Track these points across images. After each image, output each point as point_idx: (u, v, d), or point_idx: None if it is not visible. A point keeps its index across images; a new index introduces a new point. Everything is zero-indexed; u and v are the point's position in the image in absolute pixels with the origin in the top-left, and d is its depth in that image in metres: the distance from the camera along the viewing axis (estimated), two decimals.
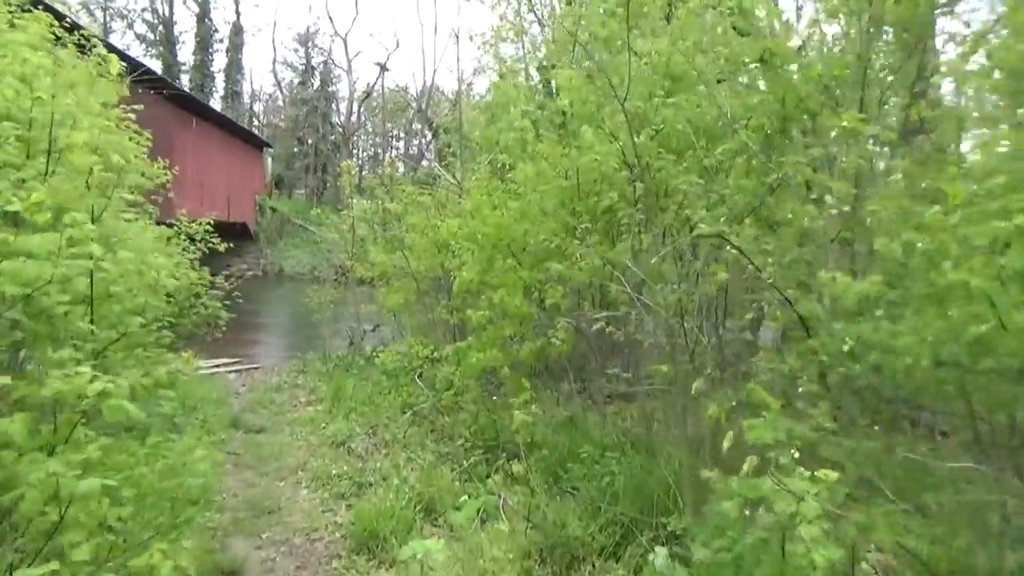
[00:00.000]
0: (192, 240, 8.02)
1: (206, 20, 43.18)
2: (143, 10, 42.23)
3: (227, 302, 12.05)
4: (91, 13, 40.02)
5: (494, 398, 6.44)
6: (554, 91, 8.32)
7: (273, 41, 54.33)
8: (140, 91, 20.03)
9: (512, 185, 6.07)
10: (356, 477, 5.46)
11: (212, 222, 8.12)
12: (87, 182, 5.75)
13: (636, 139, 4.18)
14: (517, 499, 4.66)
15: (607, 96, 4.54)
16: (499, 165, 7.18)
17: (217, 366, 10.68)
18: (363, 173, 38.66)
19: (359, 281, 11.71)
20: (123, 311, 4.21)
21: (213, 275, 12.12)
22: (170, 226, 7.19)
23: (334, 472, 5.54)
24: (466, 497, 4.82)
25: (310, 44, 46.52)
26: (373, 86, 45.88)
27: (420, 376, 7.84)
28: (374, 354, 10.99)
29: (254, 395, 8.55)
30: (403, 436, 6.35)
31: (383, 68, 44.03)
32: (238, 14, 44.48)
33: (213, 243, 8.27)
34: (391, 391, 7.84)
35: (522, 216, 5.23)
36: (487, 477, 5.21)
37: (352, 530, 4.39)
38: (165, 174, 6.74)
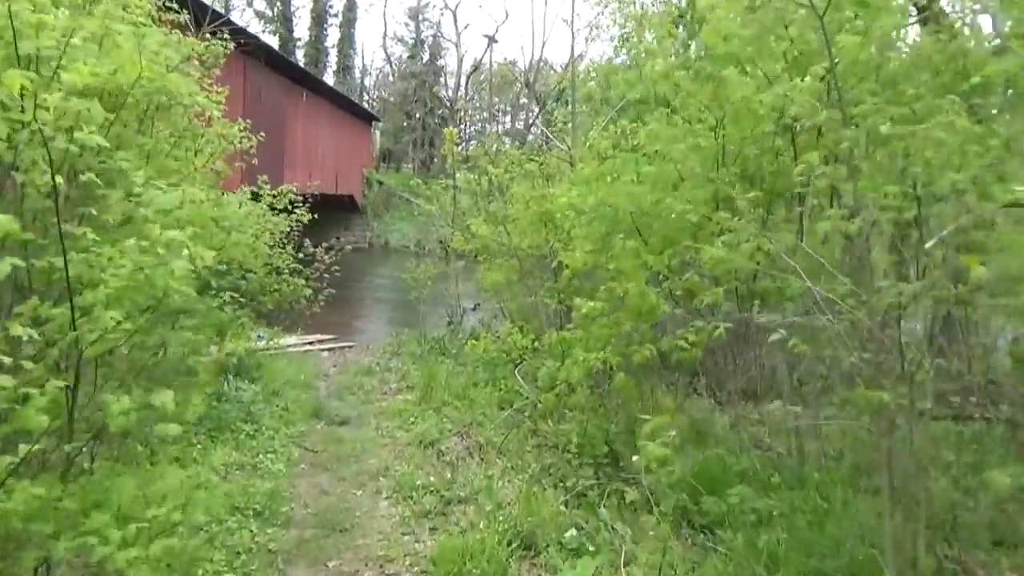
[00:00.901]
0: (274, 210, 7.45)
1: None
2: None
3: (326, 276, 11.73)
4: None
5: (605, 402, 5.48)
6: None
7: (384, 15, 54.81)
8: (252, 63, 20.17)
9: (635, 151, 5.02)
10: (444, 490, 4.65)
11: (295, 190, 7.44)
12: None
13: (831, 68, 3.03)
14: (637, 537, 3.71)
15: (778, 23, 3.44)
16: (618, 131, 6.12)
17: (311, 343, 10.27)
18: (469, 145, 38.31)
19: (459, 255, 10.99)
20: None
21: (315, 247, 11.82)
22: (255, 197, 6.60)
23: (419, 482, 4.75)
24: (573, 532, 3.91)
25: (420, 18, 46.39)
26: (481, 59, 45.27)
27: (519, 367, 6.99)
28: (472, 336, 10.28)
29: (343, 378, 7.97)
30: (499, 440, 5.50)
31: (491, 40, 43.41)
32: None
33: (297, 213, 7.64)
34: (487, 383, 7.03)
35: (653, 185, 4.20)
36: (599, 502, 4.28)
37: (433, 572, 3.57)
38: (248, 138, 6.12)
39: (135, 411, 2.19)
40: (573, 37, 12.09)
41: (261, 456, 5.04)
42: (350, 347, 10.25)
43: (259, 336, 10.01)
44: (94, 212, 2.86)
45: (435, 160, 42.49)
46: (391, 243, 33.00)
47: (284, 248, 8.15)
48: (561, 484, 4.68)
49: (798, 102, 2.86)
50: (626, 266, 4.07)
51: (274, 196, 7.01)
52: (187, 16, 5.24)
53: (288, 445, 5.38)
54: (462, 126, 49.58)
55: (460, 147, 15.35)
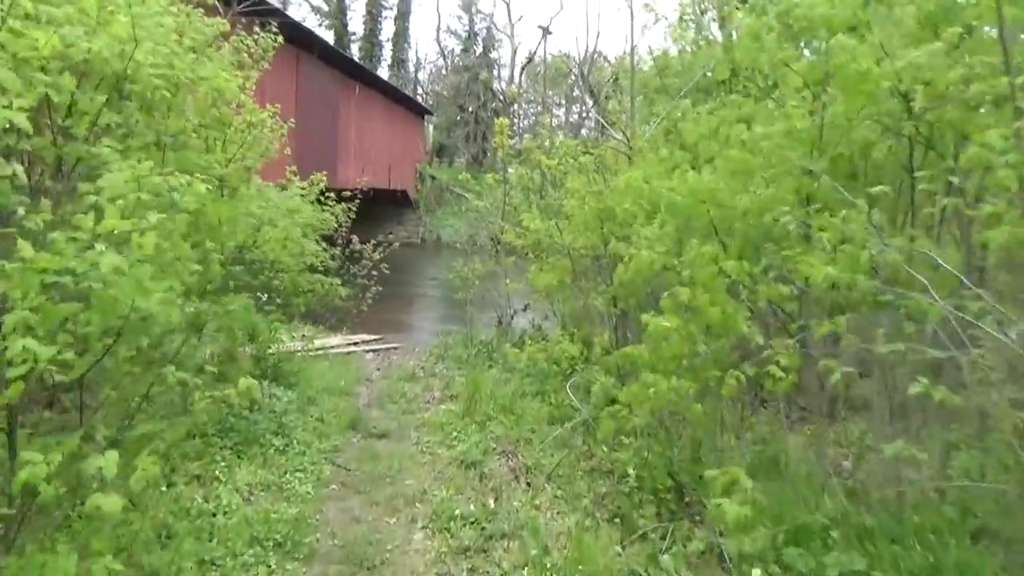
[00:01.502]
0: (321, 204, 7.07)
1: None
2: None
3: (374, 273, 11.39)
4: None
5: (666, 423, 4.88)
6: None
7: (438, 8, 54.61)
8: (305, 57, 20.06)
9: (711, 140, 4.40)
10: (485, 521, 4.15)
11: (325, 182, 7.03)
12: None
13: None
14: None
15: None
16: (687, 116, 5.49)
17: (356, 343, 9.93)
18: (522, 139, 37.76)
19: (509, 252, 10.50)
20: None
21: (364, 243, 11.49)
22: (283, 189, 6.21)
23: (458, 511, 4.27)
24: None
25: (473, 10, 46.00)
26: (535, 51, 44.67)
27: (571, 376, 6.44)
28: (517, 343, 9.76)
29: (386, 383, 7.56)
30: (547, 462, 4.97)
31: (546, 31, 42.78)
32: None
33: (327, 207, 7.24)
34: (536, 394, 6.49)
35: (734, 177, 3.59)
36: (662, 546, 3.71)
37: None
38: (279, 126, 5.73)
39: (54, 475, 1.73)
40: (632, 17, 11.21)
41: (289, 475, 4.63)
42: (396, 349, 9.87)
43: (301, 336, 9.74)
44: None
45: (488, 154, 42.08)
46: (443, 238, 32.76)
47: (326, 244, 7.80)
48: (617, 519, 4.13)
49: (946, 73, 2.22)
50: (701, 274, 3.47)
51: (304, 189, 6.57)
52: None
53: (319, 462, 4.96)
54: (515, 119, 49.10)
55: (513, 140, 14.82)
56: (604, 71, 44.31)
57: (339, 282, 6.69)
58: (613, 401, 4.81)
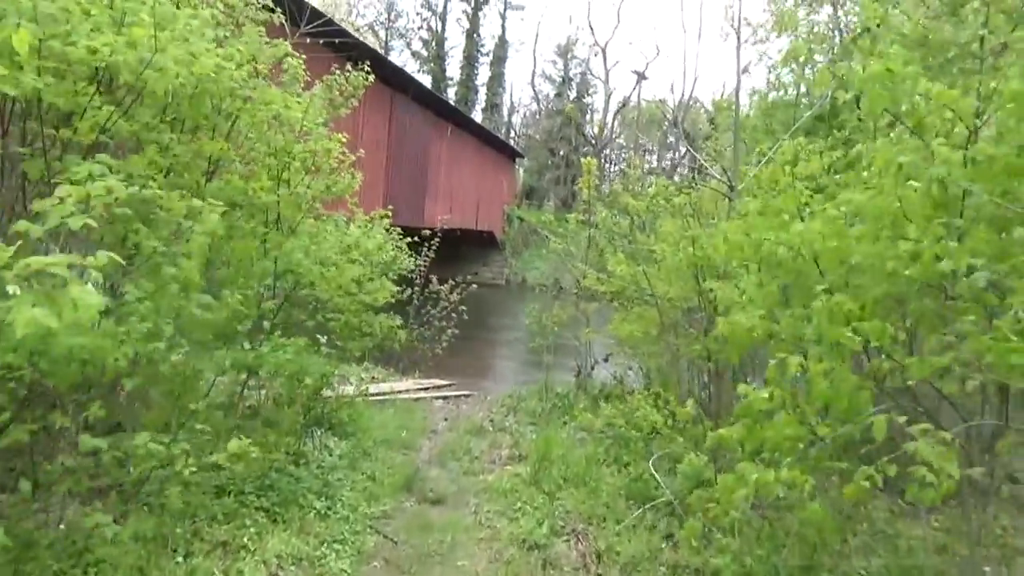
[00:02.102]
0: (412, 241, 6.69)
1: (474, 36, 44.95)
2: (419, 28, 45.11)
3: (453, 315, 10.97)
4: (375, 33, 43.59)
5: (768, 516, 4.05)
6: None
7: (534, 53, 55.20)
8: (402, 99, 20.35)
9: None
10: None
11: (390, 219, 6.64)
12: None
13: None
14: None
15: None
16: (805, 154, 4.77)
17: (426, 388, 9.46)
18: (612, 182, 37.18)
19: (591, 297, 9.86)
20: None
21: (442, 282, 11.11)
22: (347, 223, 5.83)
23: None
24: None
25: (569, 55, 46.33)
26: (629, 96, 44.31)
27: (653, 440, 5.66)
28: (600, 394, 9.02)
29: (451, 436, 6.98)
30: (624, 551, 4.21)
31: (640, 76, 42.30)
32: (503, 28, 45.82)
33: (397, 246, 6.85)
34: (613, 460, 5.74)
35: (869, 224, 2.84)
36: None
37: None
38: (345, 155, 5.36)
39: None
40: (739, 47, 10.41)
41: (327, 547, 4.07)
42: (467, 396, 9.31)
43: (371, 379, 9.35)
44: None
45: (576, 198, 41.76)
46: (528, 281, 32.38)
47: (404, 284, 7.41)
48: None
49: None
50: (829, 333, 2.71)
51: (366, 225, 6.16)
52: (281, 17, 4.55)
53: (364, 531, 4.38)
54: (606, 164, 48.68)
55: (602, 184, 14.24)
56: (700, 117, 43.55)
57: (398, 323, 6.16)
58: (703, 483, 4.04)
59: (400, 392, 8.77)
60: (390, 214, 6.39)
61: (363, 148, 18.22)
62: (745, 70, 12.43)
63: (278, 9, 4.29)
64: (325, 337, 5.89)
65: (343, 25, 22.53)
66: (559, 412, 7.93)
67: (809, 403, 3.10)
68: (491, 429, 7.29)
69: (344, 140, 5.01)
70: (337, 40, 12.17)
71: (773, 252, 3.44)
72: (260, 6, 4.06)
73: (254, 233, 4.35)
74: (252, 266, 3.91)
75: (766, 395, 2.94)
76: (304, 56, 5.39)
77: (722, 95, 40.09)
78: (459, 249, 31.71)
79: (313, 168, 4.86)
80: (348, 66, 6.33)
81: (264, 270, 4.06)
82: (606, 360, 10.41)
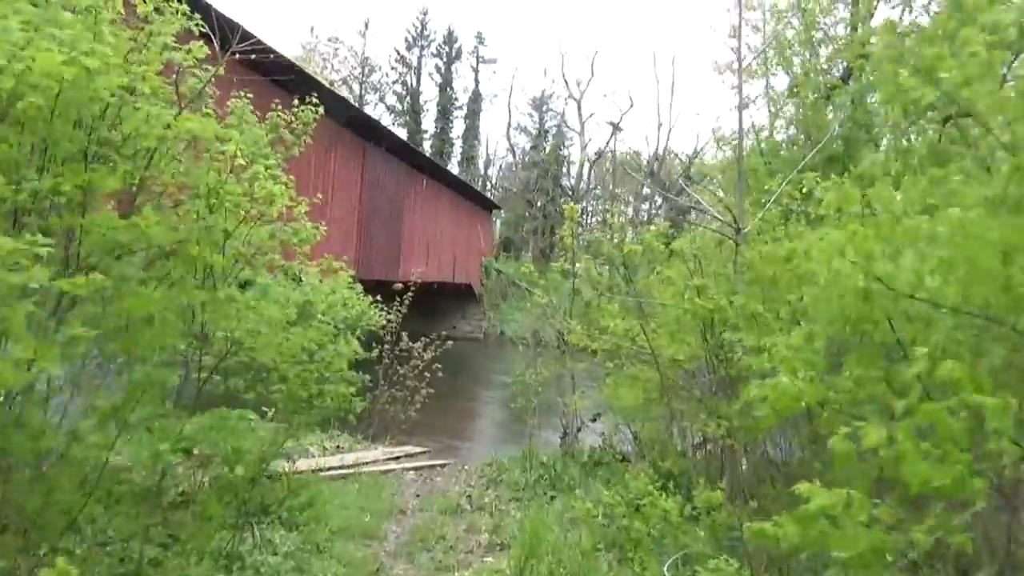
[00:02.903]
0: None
1: (447, 89, 45.14)
2: (394, 82, 45.21)
3: (426, 374, 10.14)
4: (349, 86, 43.57)
5: None
6: None
7: (509, 106, 55.56)
8: (376, 150, 19.84)
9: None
10: None
11: (352, 274, 5.88)
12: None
13: None
14: None
15: None
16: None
17: (397, 458, 8.54)
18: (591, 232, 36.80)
19: (574, 351, 9.13)
20: None
21: (414, 339, 10.31)
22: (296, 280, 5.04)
23: None
24: None
25: (544, 108, 46.63)
26: (605, 148, 44.46)
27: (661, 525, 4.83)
28: (591, 460, 8.18)
29: (422, 519, 6.08)
30: None
31: (615, 128, 42.49)
32: (477, 82, 45.98)
33: (369, 302, 6.10)
34: (612, 545, 4.87)
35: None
36: None
37: None
38: (295, 201, 4.60)
39: None
40: (740, 81, 9.72)
41: None
42: (443, 466, 8.40)
43: (334, 448, 8.42)
44: None
45: (555, 249, 41.31)
46: (507, 334, 31.58)
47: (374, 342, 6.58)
48: None
49: None
50: (938, 419, 1.97)
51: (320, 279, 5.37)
52: (201, 29, 3.85)
53: None
54: (583, 215, 48.55)
55: (581, 233, 13.66)
56: (675, 167, 43.73)
57: (354, 390, 5.28)
58: None
59: (367, 464, 7.84)
60: (346, 265, 5.59)
61: (335, 200, 17.53)
62: (745, 105, 12.00)
63: (193, 20, 3.58)
64: (272, 409, 5.08)
65: (318, 78, 22.05)
66: (545, 485, 7.06)
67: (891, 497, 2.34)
68: (469, 508, 6.39)
69: (288, 183, 4.26)
70: (291, 77, 11.58)
71: (835, 295, 2.72)
72: (176, 11, 3.35)
73: (183, 287, 3.59)
74: (154, 328, 3.10)
75: (830, 497, 2.17)
76: (248, 92, 4.74)
77: (695, 147, 40.40)
78: (437, 303, 30.92)
79: (255, 213, 4.09)
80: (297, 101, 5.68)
81: (165, 333, 3.24)
82: (594, 420, 9.59)
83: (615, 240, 8.55)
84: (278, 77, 11.20)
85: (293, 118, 5.73)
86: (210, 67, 3.67)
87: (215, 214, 3.85)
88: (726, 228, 5.01)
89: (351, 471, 7.27)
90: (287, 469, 5.74)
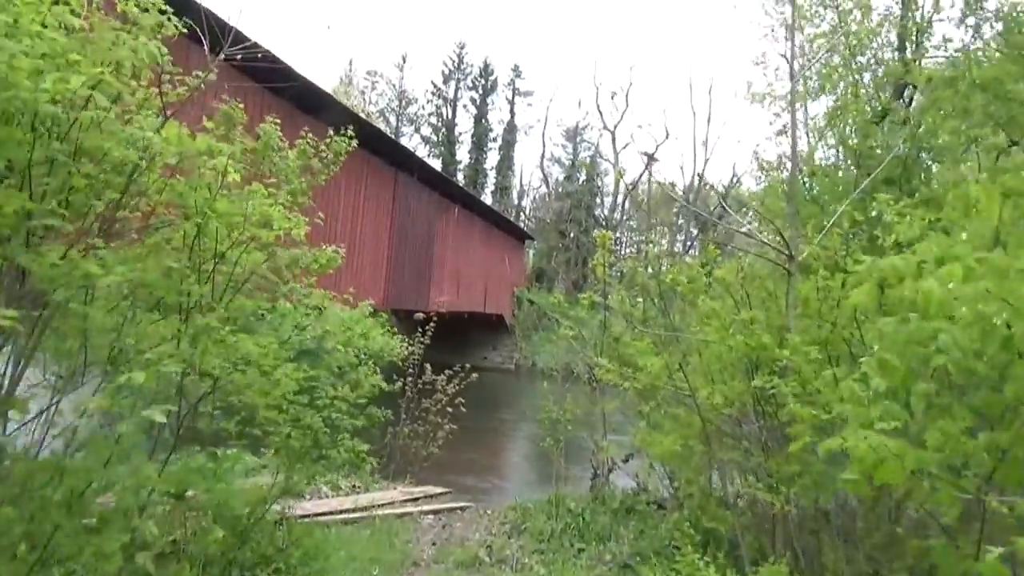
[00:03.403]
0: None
1: (483, 121, 45.32)
2: (430, 115, 45.57)
3: (449, 409, 9.70)
4: (386, 118, 44.03)
5: None
6: None
7: (543, 136, 55.49)
8: (409, 179, 19.68)
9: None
10: None
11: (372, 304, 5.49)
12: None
13: None
14: None
15: None
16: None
17: (415, 499, 8.03)
18: (626, 261, 36.09)
19: (605, 388, 8.60)
20: None
21: (451, 369, 9.87)
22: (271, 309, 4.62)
23: None
24: None
25: (578, 139, 46.48)
26: (639, 179, 43.97)
27: None
28: (622, 506, 7.58)
29: (436, 573, 5.56)
30: None
31: (650, 158, 41.96)
32: (512, 114, 46.08)
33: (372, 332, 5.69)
34: None
35: None
36: None
37: None
38: (290, 223, 4.22)
39: None
40: (793, 101, 8.95)
41: None
42: (463, 509, 7.86)
43: (351, 487, 7.96)
44: None
45: (587, 280, 40.72)
46: (539, 365, 31.00)
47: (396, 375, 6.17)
48: None
49: None
50: None
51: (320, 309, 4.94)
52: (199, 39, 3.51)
53: None
54: (618, 247, 47.93)
55: (613, 265, 13.23)
56: (712, 198, 42.99)
57: (348, 436, 4.77)
58: None
59: (383, 506, 7.36)
60: (370, 296, 5.20)
61: (364, 229, 17.28)
62: (785, 131, 11.50)
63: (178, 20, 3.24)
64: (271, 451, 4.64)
65: (360, 113, 21.94)
66: (572, 534, 6.49)
67: None
68: (488, 560, 5.85)
69: (310, 214, 3.90)
70: (293, 83, 11.34)
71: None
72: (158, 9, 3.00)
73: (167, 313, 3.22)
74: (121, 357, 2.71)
75: None
76: (275, 118, 4.46)
77: (732, 176, 39.63)
78: (468, 333, 30.55)
79: (247, 236, 3.71)
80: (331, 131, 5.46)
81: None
82: (626, 461, 8.99)
83: (651, 270, 8.08)
84: (280, 84, 10.90)
85: (325, 146, 5.60)
86: (200, 72, 3.32)
87: (203, 236, 3.49)
88: (776, 255, 4.47)
89: (364, 514, 6.79)
90: (288, 514, 5.30)
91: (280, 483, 4.12)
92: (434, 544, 6.42)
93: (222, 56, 3.45)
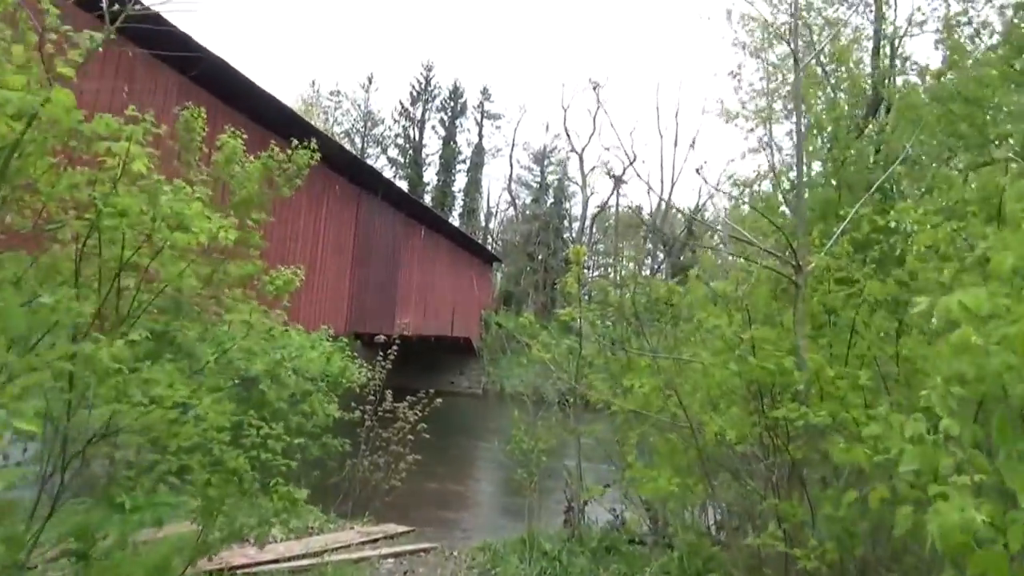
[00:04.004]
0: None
1: (451, 143, 44.94)
2: (396, 136, 45.04)
3: (411, 438, 9.06)
4: (351, 139, 43.37)
5: None
6: None
7: (511, 159, 55.11)
8: (372, 198, 19.01)
9: None
10: None
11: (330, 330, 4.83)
12: None
13: None
14: None
15: None
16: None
17: (375, 540, 7.29)
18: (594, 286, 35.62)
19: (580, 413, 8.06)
20: None
21: (413, 396, 9.19)
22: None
23: None
24: None
25: (546, 162, 46.31)
26: (607, 202, 43.89)
27: None
28: (601, 545, 6.96)
29: None
30: None
31: (618, 181, 41.90)
32: (481, 136, 45.80)
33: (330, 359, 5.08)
34: None
35: None
36: None
37: None
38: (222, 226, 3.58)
39: None
40: (798, 102, 8.14)
41: None
42: (427, 552, 7.13)
43: (305, 529, 7.20)
44: None
45: (556, 303, 40.22)
46: (507, 389, 30.31)
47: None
48: None
49: None
50: None
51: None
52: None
53: None
54: (587, 270, 47.59)
55: (584, 287, 12.74)
56: (677, 223, 43.02)
57: (303, 494, 4.06)
58: None
59: (338, 549, 6.61)
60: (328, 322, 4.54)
61: (325, 249, 16.53)
62: (762, 148, 11.26)
63: None
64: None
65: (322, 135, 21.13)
66: None
67: None
68: None
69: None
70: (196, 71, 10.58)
71: None
72: None
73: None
74: None
75: None
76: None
77: (698, 201, 39.71)
78: (435, 357, 29.78)
79: (164, 243, 3.07)
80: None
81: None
82: (604, 490, 8.38)
83: (623, 290, 7.58)
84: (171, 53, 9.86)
85: (286, 158, 5.34)
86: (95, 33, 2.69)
87: (109, 242, 2.84)
88: (784, 267, 3.95)
89: (315, 560, 6.05)
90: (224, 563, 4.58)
91: (193, 542, 3.40)
92: None
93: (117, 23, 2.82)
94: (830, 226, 4.41)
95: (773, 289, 4.53)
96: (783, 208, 7.38)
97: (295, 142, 5.51)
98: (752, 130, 12.80)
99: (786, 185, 7.91)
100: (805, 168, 8.24)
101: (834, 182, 7.74)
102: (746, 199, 10.03)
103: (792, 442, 3.40)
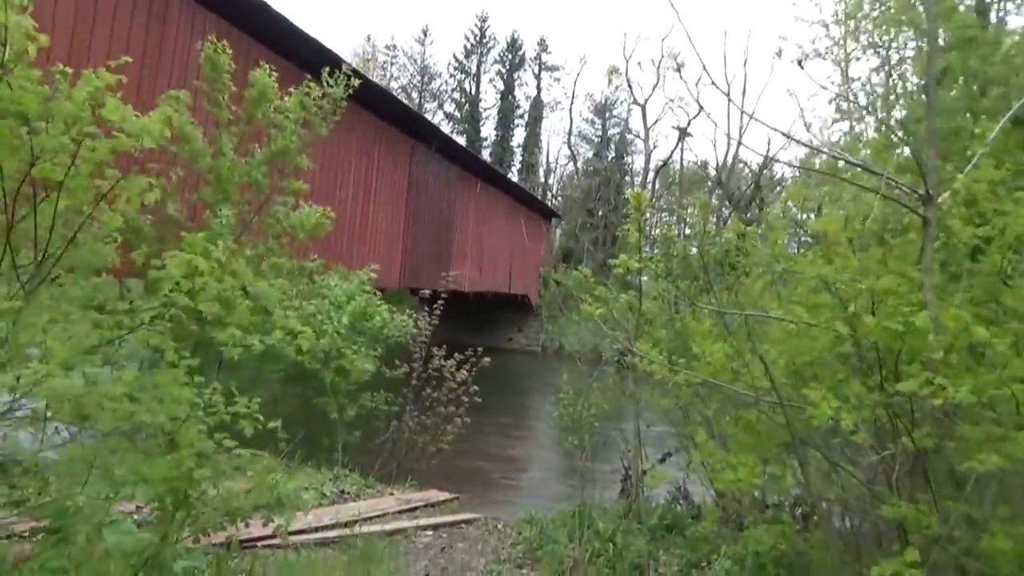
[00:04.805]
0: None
1: (509, 97, 43.72)
2: (452, 90, 44.09)
3: (464, 398, 8.54)
4: (408, 94, 42.68)
5: None
6: None
7: (571, 112, 53.24)
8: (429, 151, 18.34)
9: None
10: None
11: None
12: None
13: None
14: None
15: None
16: None
17: (414, 509, 6.76)
18: (654, 249, 34.10)
19: (640, 377, 7.29)
20: None
21: (461, 354, 8.66)
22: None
23: None
24: None
25: (607, 114, 44.61)
26: (671, 155, 42.03)
27: None
28: (660, 522, 6.27)
29: None
30: None
31: (683, 133, 39.98)
32: (539, 89, 44.40)
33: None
34: None
35: None
36: None
37: None
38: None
39: None
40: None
41: None
42: (470, 522, 6.56)
43: (339, 493, 6.73)
44: None
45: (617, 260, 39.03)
46: (566, 347, 29.68)
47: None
48: None
49: None
50: None
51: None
52: None
53: None
54: (648, 227, 46.01)
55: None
56: (743, 178, 40.89)
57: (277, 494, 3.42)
58: None
59: (372, 519, 6.11)
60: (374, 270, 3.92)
61: (376, 203, 15.97)
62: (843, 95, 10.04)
63: None
64: None
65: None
66: (601, 565, 5.18)
67: None
68: None
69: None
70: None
71: None
72: None
73: None
74: None
75: None
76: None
77: (768, 149, 37.42)
78: (492, 314, 29.34)
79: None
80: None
81: None
82: (663, 460, 7.66)
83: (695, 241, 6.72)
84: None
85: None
86: None
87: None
88: (903, 197, 3.04)
89: (346, 531, 5.55)
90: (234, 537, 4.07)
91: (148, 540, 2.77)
92: (429, 571, 5.16)
93: None
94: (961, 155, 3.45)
95: (880, 231, 3.62)
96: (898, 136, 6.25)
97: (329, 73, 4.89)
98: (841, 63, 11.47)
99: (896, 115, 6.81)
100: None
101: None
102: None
103: (916, 428, 2.58)
